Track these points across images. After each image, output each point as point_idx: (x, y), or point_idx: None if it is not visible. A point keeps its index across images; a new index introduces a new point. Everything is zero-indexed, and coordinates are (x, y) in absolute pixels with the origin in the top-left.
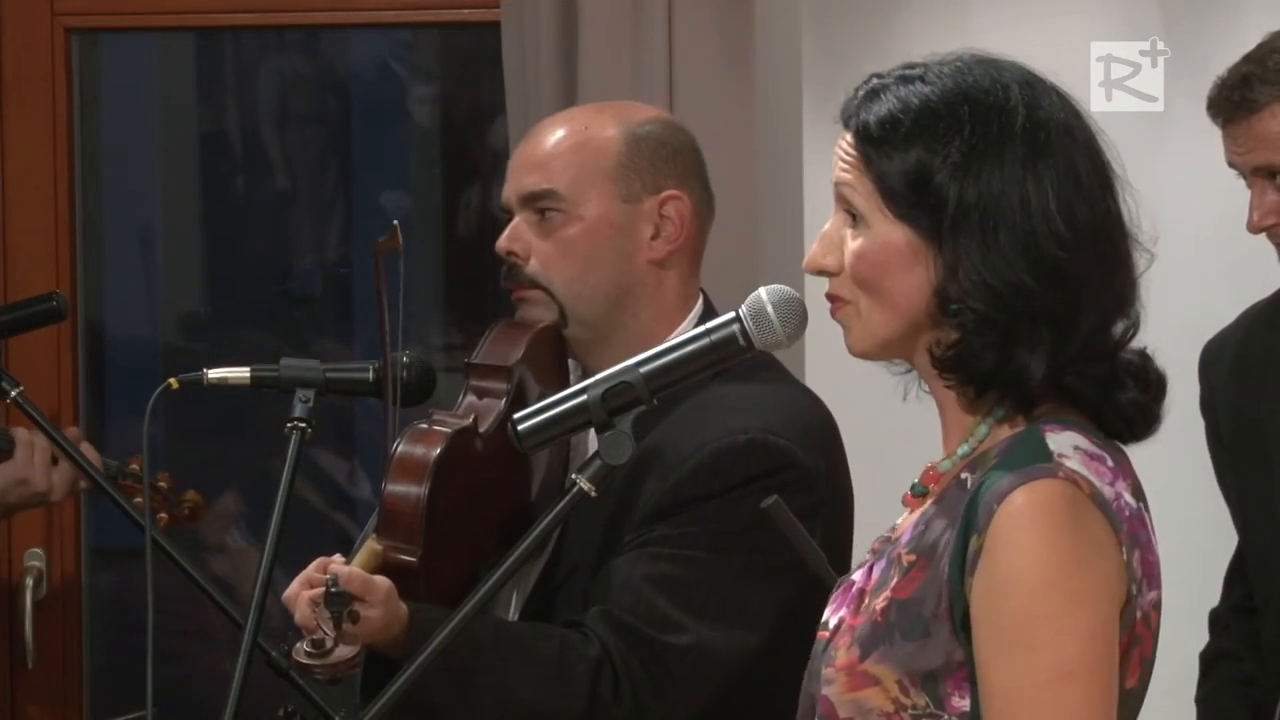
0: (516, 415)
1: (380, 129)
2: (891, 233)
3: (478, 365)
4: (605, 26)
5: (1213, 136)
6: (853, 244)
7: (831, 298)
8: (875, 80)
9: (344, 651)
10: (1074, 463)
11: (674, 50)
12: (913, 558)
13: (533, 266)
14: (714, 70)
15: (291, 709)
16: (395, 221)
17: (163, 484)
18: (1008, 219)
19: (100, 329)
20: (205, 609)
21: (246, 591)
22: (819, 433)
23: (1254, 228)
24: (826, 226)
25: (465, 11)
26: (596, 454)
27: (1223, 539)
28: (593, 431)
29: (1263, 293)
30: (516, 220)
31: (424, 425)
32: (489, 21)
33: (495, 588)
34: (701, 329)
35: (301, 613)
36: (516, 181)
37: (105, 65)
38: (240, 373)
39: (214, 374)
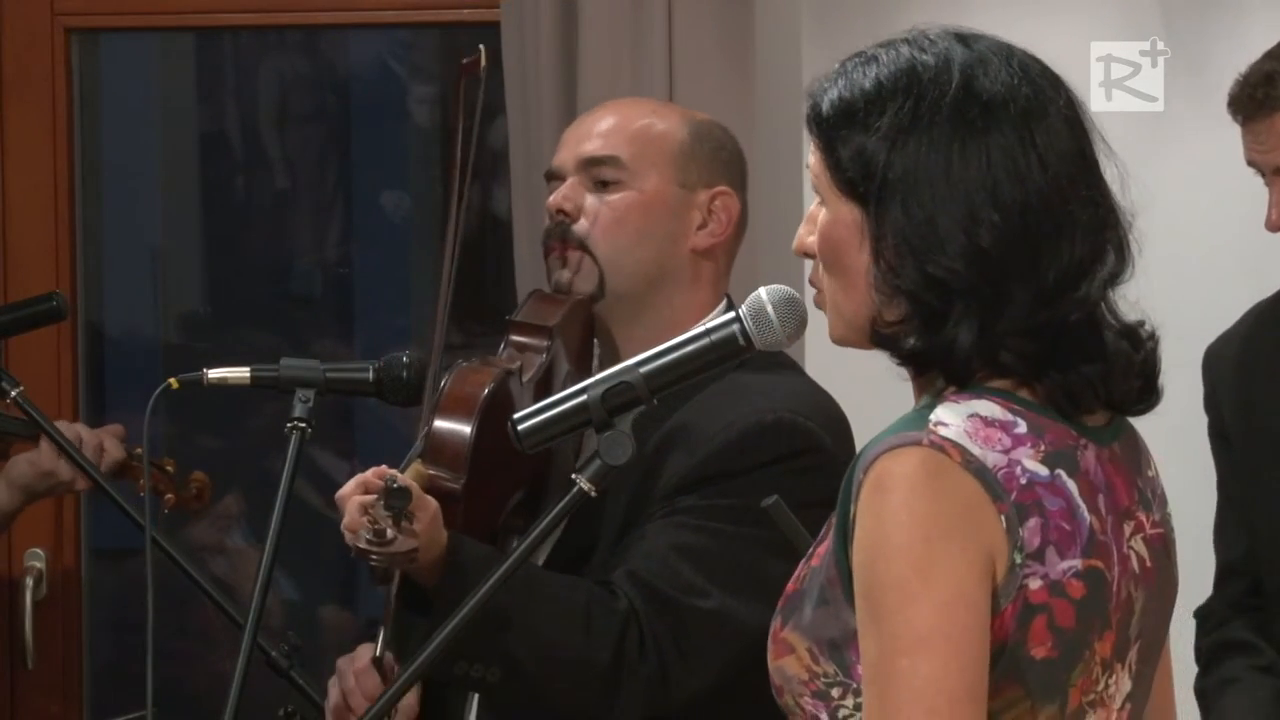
0: (516, 415)
1: (380, 129)
2: (842, 211)
3: (520, 323)
4: (605, 26)
5: (1213, 136)
6: (819, 225)
7: (810, 282)
8: (837, 65)
9: (404, 543)
10: (951, 430)
11: (674, 50)
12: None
13: (581, 227)
14: (714, 70)
15: (291, 709)
16: (481, 46)
17: (169, 467)
18: (931, 193)
19: (100, 329)
20: (205, 609)
21: (246, 592)
22: (839, 425)
23: (1273, 226)
24: (810, 209)
25: (465, 11)
26: (596, 453)
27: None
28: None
29: (1262, 292)
30: (571, 180)
31: (473, 363)
32: (489, 21)
33: (500, 582)
34: (701, 328)
35: (350, 515)
36: (577, 147)
37: (105, 65)
38: (240, 373)
39: (214, 374)
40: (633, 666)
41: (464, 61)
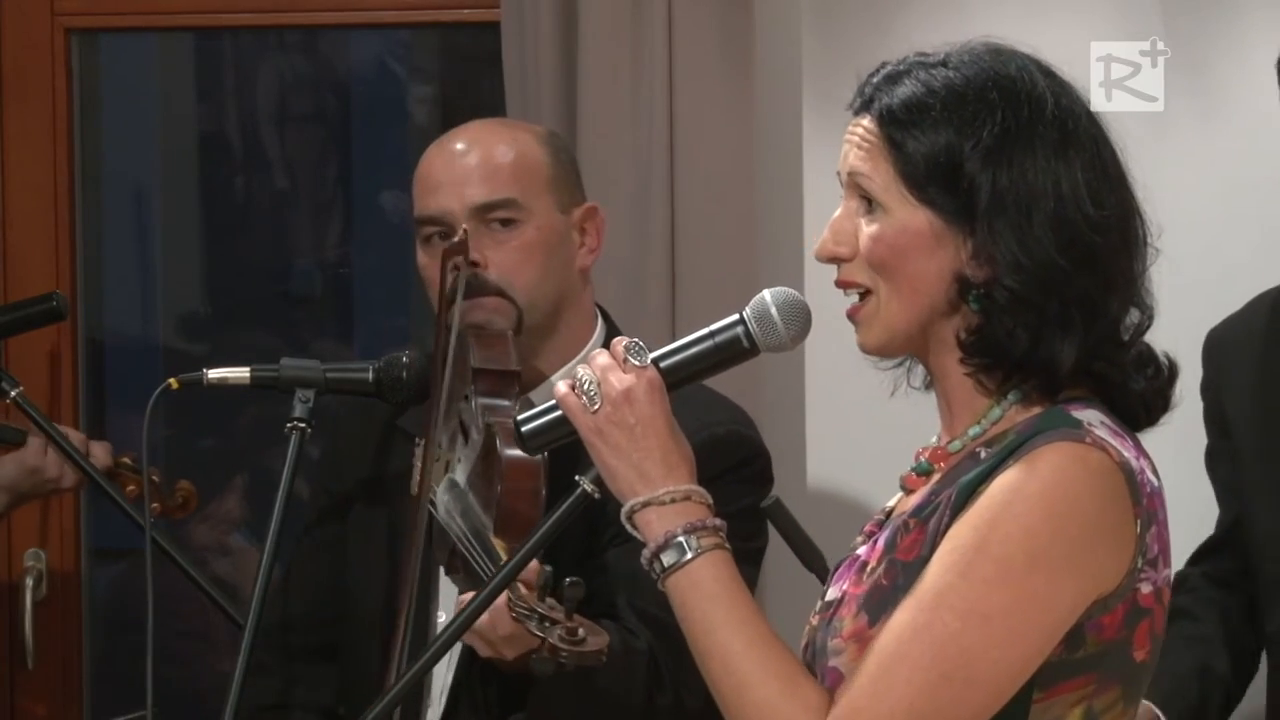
0: (520, 416)
1: (380, 129)
2: (914, 216)
3: (490, 371)
4: (605, 26)
5: (1213, 136)
6: (869, 229)
7: (845, 284)
8: (891, 66)
9: (597, 641)
10: (1102, 432)
11: (674, 50)
12: (916, 522)
13: (493, 274)
14: (714, 70)
15: None
16: (465, 227)
17: (155, 477)
18: (1042, 204)
19: (100, 329)
20: (205, 609)
21: (246, 592)
22: (757, 430)
23: None
24: (837, 214)
25: (465, 11)
26: None
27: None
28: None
29: (1261, 291)
30: (467, 229)
31: (501, 425)
32: (489, 21)
33: (505, 580)
34: (705, 331)
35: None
36: (465, 193)
37: (105, 65)
38: (240, 373)
39: (214, 374)
40: (655, 702)
41: (446, 246)
